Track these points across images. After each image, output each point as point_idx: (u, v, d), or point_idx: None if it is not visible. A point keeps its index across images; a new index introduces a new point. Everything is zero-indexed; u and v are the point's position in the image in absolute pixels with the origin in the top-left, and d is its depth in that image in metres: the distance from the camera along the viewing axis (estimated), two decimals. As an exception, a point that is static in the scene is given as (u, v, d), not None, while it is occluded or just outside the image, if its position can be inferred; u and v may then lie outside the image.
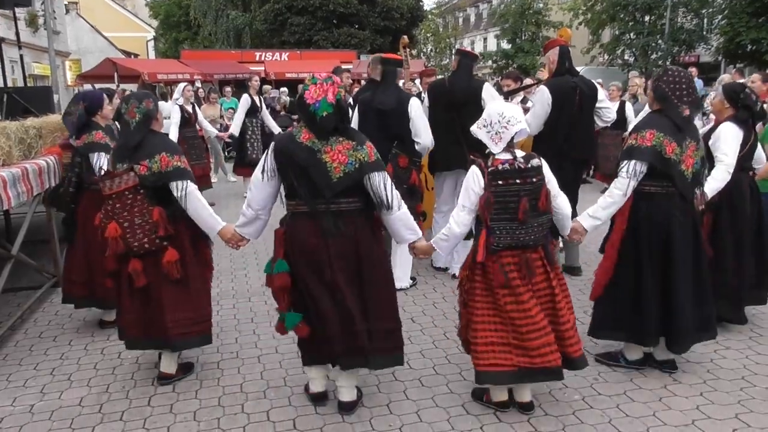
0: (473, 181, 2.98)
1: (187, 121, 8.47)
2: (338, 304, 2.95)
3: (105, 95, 4.39)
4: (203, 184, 8.79)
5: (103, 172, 3.62)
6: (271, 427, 3.06)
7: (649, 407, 3.21)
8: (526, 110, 6.04)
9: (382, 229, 3.15)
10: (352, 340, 2.95)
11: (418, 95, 5.85)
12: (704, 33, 26.23)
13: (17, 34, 9.40)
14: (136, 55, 37.74)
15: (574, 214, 4.69)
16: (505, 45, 37.12)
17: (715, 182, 3.76)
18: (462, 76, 5.28)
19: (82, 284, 4.25)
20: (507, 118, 2.92)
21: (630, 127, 4.99)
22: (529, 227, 2.93)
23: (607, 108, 5.32)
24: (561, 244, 5.41)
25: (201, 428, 3.07)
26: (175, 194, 3.28)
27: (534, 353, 2.92)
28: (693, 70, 10.34)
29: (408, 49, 5.98)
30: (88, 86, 16.86)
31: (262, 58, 23.86)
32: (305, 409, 3.21)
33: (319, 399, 3.24)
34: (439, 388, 3.42)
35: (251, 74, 11.11)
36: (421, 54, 42.90)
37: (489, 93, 5.16)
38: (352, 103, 6.01)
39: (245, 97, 8.83)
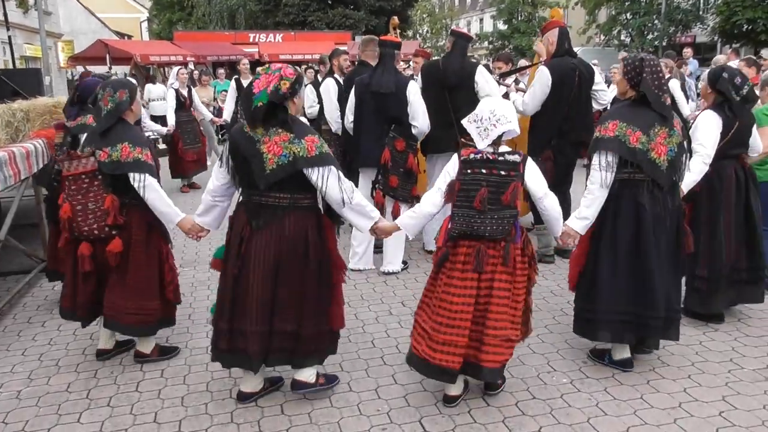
0: (452, 166, 3.00)
1: (182, 105, 8.47)
2: (238, 300, 2.94)
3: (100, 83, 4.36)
4: (198, 168, 8.78)
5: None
6: (259, 412, 3.06)
7: (636, 390, 3.21)
8: (520, 91, 6.01)
9: (331, 228, 3.07)
10: (238, 339, 2.95)
11: (411, 77, 5.78)
12: (700, 13, 26.08)
13: (5, 14, 9.29)
14: (129, 37, 37.36)
15: (566, 200, 4.71)
16: (501, 26, 36.84)
17: (691, 175, 3.63)
18: (456, 58, 5.22)
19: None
20: (497, 117, 2.90)
21: None
22: (486, 218, 2.89)
23: (603, 90, 5.36)
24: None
25: (188, 414, 3.06)
26: (134, 185, 3.29)
27: (436, 347, 2.92)
28: (687, 51, 10.27)
29: (398, 30, 5.91)
30: (80, 68, 16.62)
31: (256, 40, 23.61)
32: (292, 395, 3.19)
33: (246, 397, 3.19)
34: (428, 372, 3.42)
35: (241, 57, 10.97)
36: (417, 35, 42.53)
37: (482, 76, 5.12)
38: (343, 84, 5.96)
39: (233, 83, 8.81)
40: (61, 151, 4.14)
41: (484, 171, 2.91)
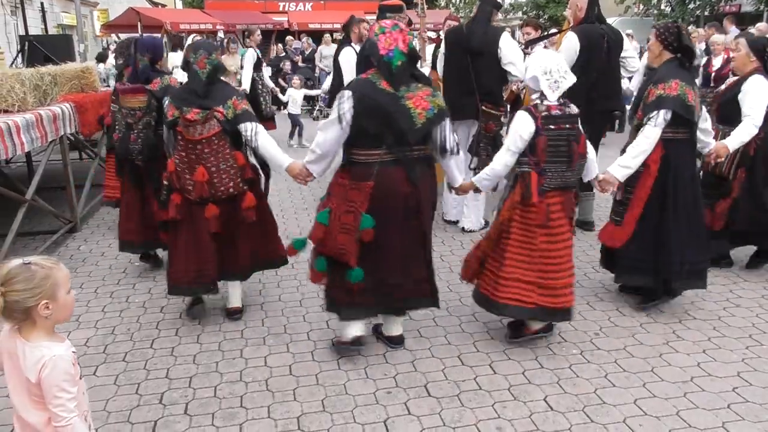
0: (524, 125, 3.05)
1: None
2: (408, 250, 3.09)
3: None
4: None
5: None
6: (268, 372, 3.11)
7: (647, 363, 3.17)
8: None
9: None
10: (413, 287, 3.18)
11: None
12: (747, -19, 24.91)
13: (37, -19, 9.39)
14: (163, 5, 37.51)
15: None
16: (537, -5, 35.85)
17: (740, 135, 3.79)
18: (480, 24, 5.12)
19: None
20: (564, 69, 3.09)
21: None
22: (573, 170, 3.13)
23: (632, 57, 5.27)
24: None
25: (199, 371, 3.13)
26: (246, 135, 3.40)
27: (557, 293, 3.11)
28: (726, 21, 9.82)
29: (421, -3, 5.80)
30: (114, 36, 16.77)
31: (286, 8, 23.49)
32: (302, 356, 3.25)
33: (358, 342, 3.24)
34: (437, 339, 3.43)
35: (252, 27, 10.92)
36: (450, 5, 41.74)
37: (507, 42, 5.01)
38: (356, 51, 5.84)
39: (250, 51, 8.91)
40: (151, 117, 4.14)
41: (568, 126, 3.06)
